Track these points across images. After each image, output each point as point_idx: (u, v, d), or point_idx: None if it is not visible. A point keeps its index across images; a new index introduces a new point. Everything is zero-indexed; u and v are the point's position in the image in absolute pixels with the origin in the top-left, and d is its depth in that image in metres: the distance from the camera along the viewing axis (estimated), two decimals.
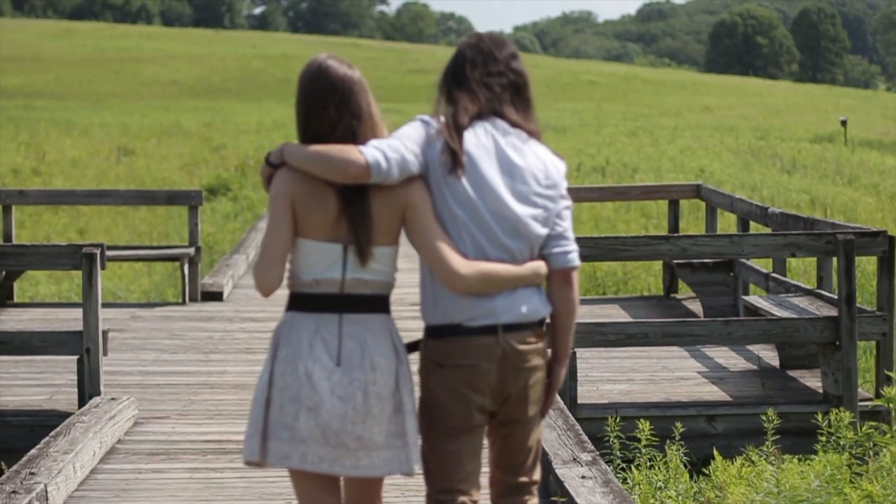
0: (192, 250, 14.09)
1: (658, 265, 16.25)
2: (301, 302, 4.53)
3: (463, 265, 4.46)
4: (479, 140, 4.55)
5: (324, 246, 4.49)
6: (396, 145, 4.46)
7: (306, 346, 4.46)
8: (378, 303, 4.55)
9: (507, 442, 4.67)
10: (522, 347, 4.56)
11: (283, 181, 4.48)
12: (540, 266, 4.60)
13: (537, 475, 4.73)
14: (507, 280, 4.52)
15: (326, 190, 4.47)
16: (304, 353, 4.46)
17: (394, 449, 4.52)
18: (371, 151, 4.42)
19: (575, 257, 4.65)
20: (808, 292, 10.65)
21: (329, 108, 4.51)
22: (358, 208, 4.46)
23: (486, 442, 4.73)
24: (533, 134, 4.64)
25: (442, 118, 4.57)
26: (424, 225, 4.48)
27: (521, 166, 4.56)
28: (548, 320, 4.70)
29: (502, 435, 4.67)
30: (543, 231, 4.59)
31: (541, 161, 4.61)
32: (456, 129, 4.51)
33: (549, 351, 4.74)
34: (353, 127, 4.51)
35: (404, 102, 52.00)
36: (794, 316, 9.59)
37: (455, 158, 4.48)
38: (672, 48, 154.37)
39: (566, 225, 4.65)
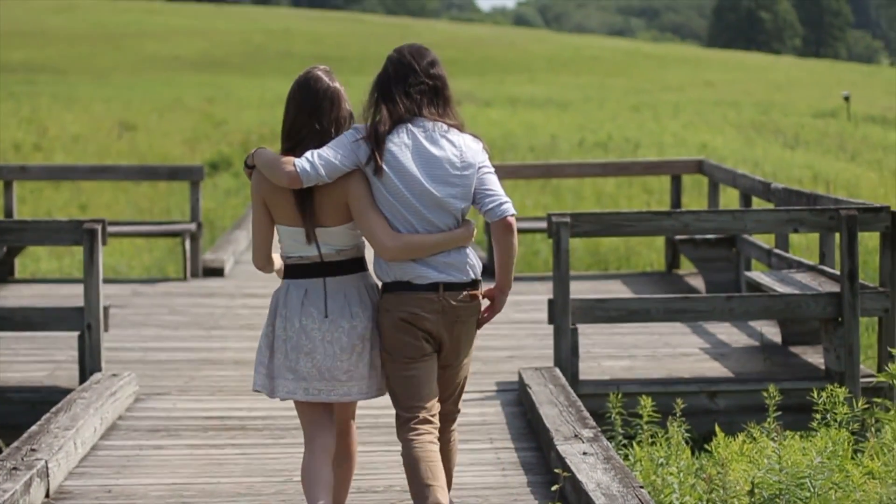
0: (193, 226, 14.09)
1: (660, 241, 16.24)
2: (293, 271, 5.68)
3: (389, 239, 5.52)
4: (401, 139, 5.56)
5: (295, 230, 5.60)
6: (325, 153, 5.49)
7: (299, 306, 5.61)
8: (352, 264, 5.67)
9: (441, 380, 5.76)
10: (456, 304, 5.62)
11: (256, 182, 5.66)
12: (460, 233, 5.59)
13: (460, 404, 5.90)
14: (430, 247, 5.56)
15: (286, 188, 5.52)
16: (299, 311, 5.61)
17: (372, 378, 5.67)
18: (300, 162, 5.47)
19: (509, 207, 5.59)
20: (810, 268, 10.62)
21: (306, 113, 5.58)
22: (304, 201, 5.53)
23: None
24: (453, 126, 5.63)
25: (367, 126, 5.57)
26: (361, 210, 5.54)
27: (437, 156, 5.56)
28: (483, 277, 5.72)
29: (438, 375, 5.76)
30: (463, 204, 5.59)
31: (457, 148, 5.59)
32: (377, 138, 5.52)
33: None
34: (325, 128, 5.55)
35: None
36: (796, 292, 9.58)
37: (376, 166, 5.49)
38: (675, 23, 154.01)
39: (493, 186, 5.62)
